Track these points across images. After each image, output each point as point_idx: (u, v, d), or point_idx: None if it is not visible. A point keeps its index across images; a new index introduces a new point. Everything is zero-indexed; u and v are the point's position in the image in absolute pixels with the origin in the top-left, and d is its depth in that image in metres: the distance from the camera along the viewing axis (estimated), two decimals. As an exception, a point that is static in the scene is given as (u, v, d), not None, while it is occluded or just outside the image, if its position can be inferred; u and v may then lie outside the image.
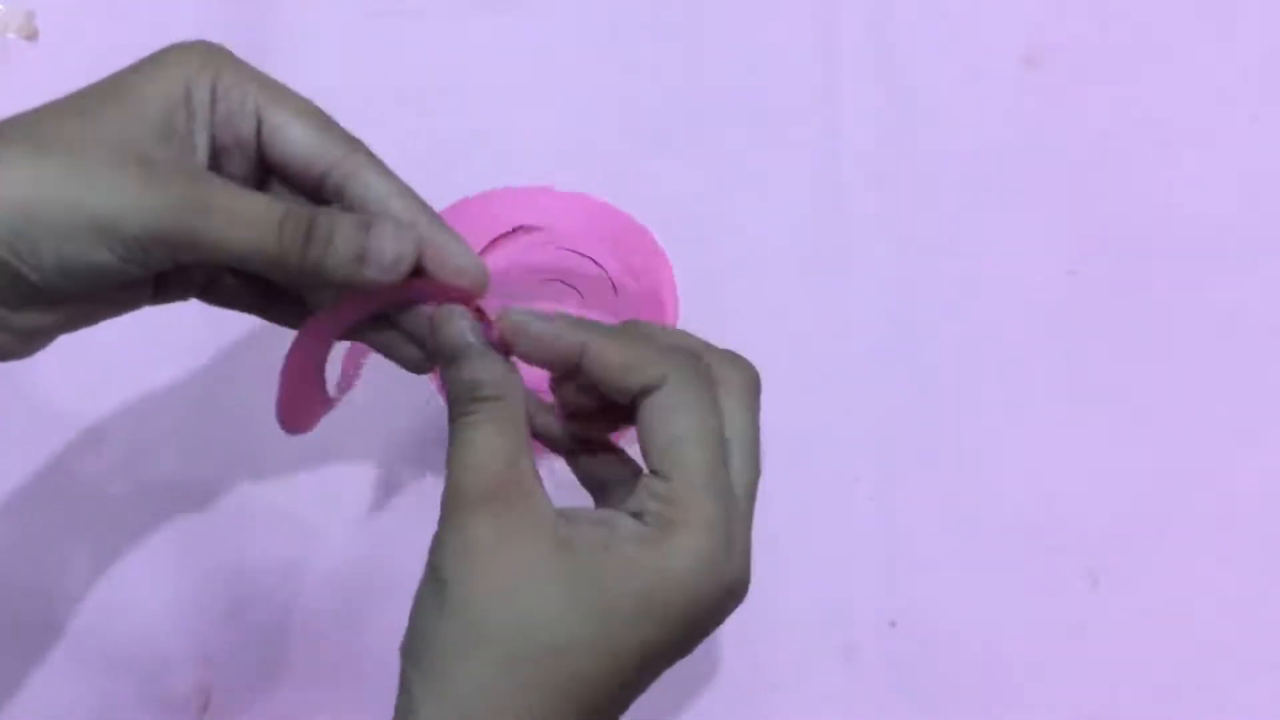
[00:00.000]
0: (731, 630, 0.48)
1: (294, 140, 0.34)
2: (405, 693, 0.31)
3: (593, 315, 0.37)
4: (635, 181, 0.54)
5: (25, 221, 0.31)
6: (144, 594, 0.50)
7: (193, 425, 0.52)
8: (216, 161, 0.35)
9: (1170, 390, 0.53)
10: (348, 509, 0.51)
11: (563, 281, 0.51)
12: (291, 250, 0.32)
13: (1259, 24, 0.57)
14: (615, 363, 0.33)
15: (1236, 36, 0.57)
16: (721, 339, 0.47)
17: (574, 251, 0.51)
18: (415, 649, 0.31)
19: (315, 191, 0.35)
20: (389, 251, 0.32)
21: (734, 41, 0.57)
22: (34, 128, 0.32)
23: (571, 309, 0.49)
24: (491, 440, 0.32)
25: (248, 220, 0.32)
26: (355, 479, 0.51)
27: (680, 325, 0.52)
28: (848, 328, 0.54)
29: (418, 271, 0.33)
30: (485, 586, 0.31)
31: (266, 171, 0.36)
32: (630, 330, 0.34)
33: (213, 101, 0.34)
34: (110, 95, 0.33)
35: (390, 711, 0.32)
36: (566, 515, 0.32)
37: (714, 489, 0.32)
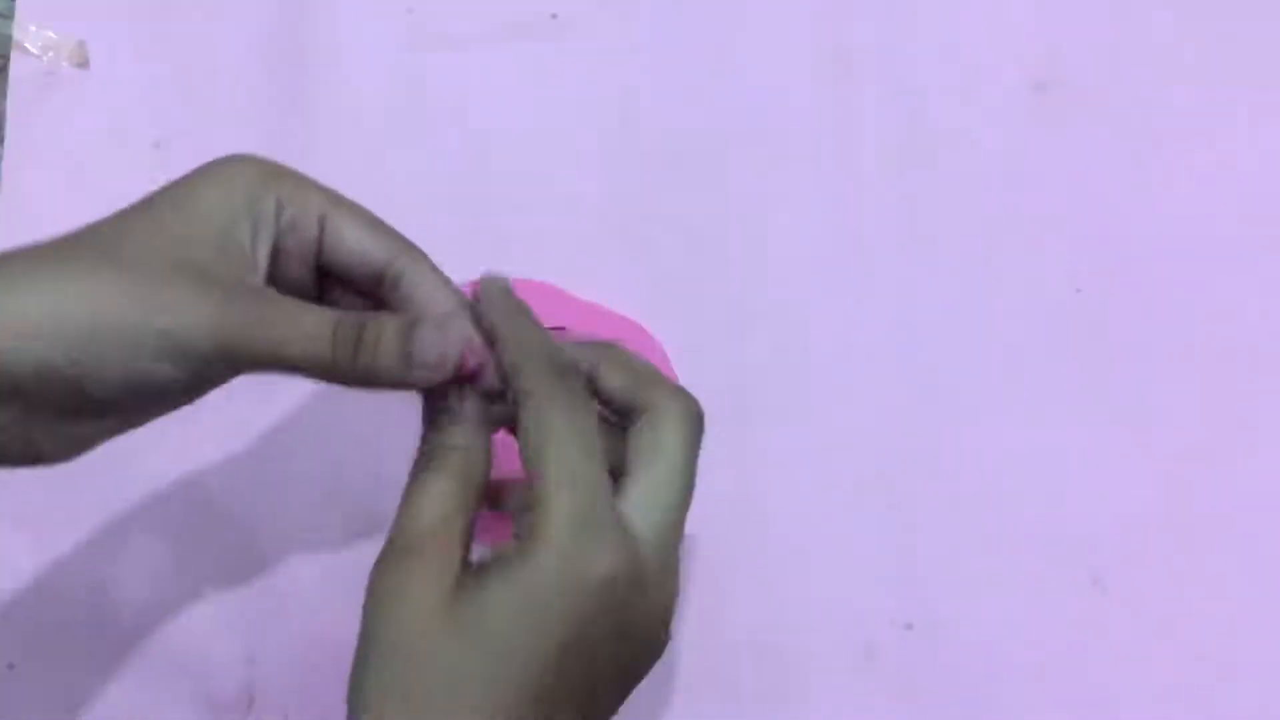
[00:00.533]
0: (748, 633, 0.51)
1: (352, 243, 0.35)
2: None
3: None
4: (650, 202, 0.55)
5: (92, 337, 0.31)
6: (188, 595, 0.51)
7: (237, 433, 0.52)
8: (276, 267, 0.35)
9: (1175, 401, 0.53)
10: (394, 511, 0.51)
11: None
12: (343, 358, 0.33)
13: (1266, 50, 0.57)
14: (505, 365, 0.34)
15: (1246, 61, 0.57)
16: (738, 360, 0.52)
17: None
18: (349, 693, 0.33)
19: (371, 288, 0.36)
20: (432, 353, 0.33)
21: (750, 73, 0.57)
22: (99, 242, 0.32)
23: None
24: (430, 497, 0.33)
25: (305, 334, 0.33)
26: (404, 480, 0.51)
27: (699, 327, 0.53)
28: (865, 344, 0.54)
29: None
30: (385, 635, 0.32)
31: (321, 272, 0.36)
32: (532, 338, 0.35)
33: (278, 211, 0.35)
34: (169, 210, 0.34)
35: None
36: (481, 564, 0.33)
37: (567, 482, 0.32)
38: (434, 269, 0.36)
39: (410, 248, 0.36)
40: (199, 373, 0.32)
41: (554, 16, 0.56)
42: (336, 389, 0.35)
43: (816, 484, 0.52)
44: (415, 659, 0.31)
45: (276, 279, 0.35)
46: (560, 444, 0.33)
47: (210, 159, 0.38)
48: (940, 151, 0.56)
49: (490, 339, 0.35)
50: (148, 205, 0.34)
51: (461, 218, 0.50)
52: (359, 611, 0.48)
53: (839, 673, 0.51)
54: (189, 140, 0.54)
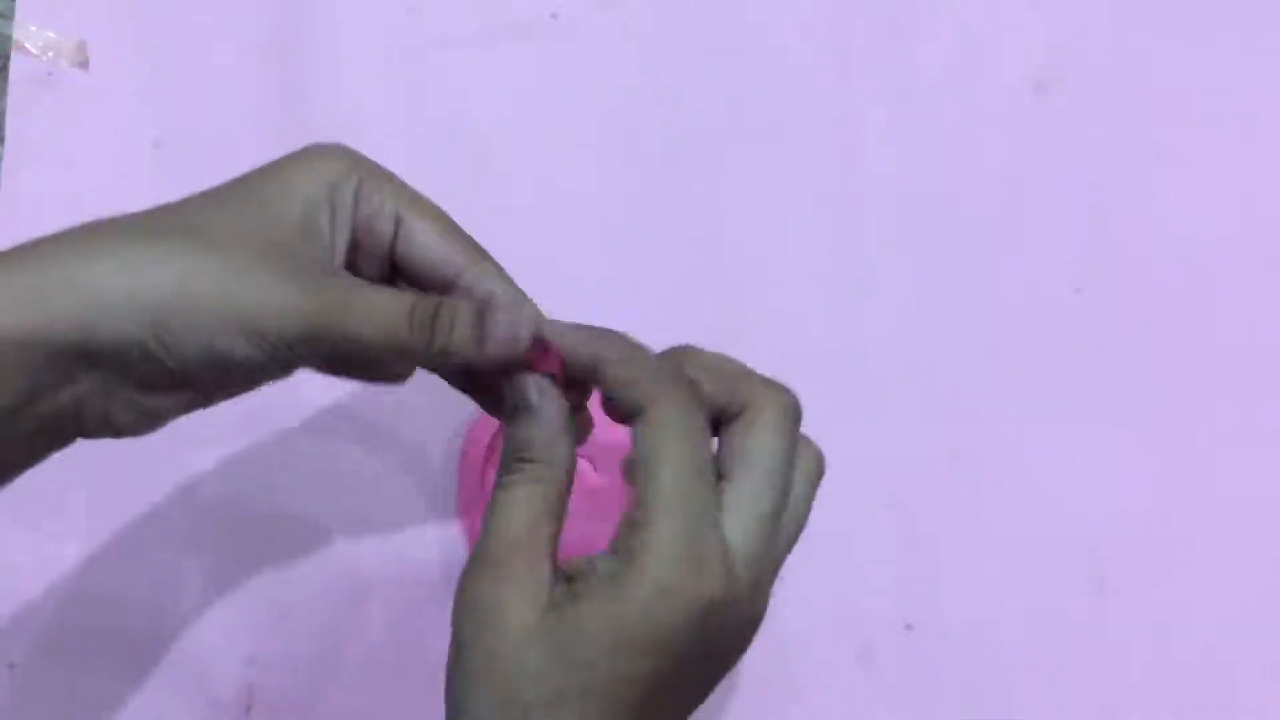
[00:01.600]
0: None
1: (427, 246, 0.36)
2: None
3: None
4: (652, 203, 0.55)
5: (175, 313, 0.31)
6: (188, 596, 0.51)
7: (238, 435, 0.52)
8: (351, 259, 0.36)
9: (1174, 401, 0.54)
10: (393, 514, 0.52)
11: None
12: (420, 339, 0.33)
13: (1267, 52, 0.57)
14: (614, 379, 0.34)
15: (1245, 64, 0.57)
16: (738, 354, 0.47)
17: None
18: (446, 696, 0.33)
19: (442, 291, 0.36)
20: (504, 330, 0.33)
21: (751, 71, 0.56)
22: (187, 220, 0.33)
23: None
24: (519, 505, 0.33)
25: (383, 315, 0.33)
26: (402, 485, 0.52)
27: (693, 338, 0.50)
28: (867, 344, 0.54)
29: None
30: (482, 647, 0.32)
31: (394, 270, 0.37)
32: (639, 352, 0.34)
33: (355, 203, 0.35)
34: (255, 193, 0.34)
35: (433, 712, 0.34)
36: (577, 575, 0.33)
37: (676, 509, 0.32)
38: (509, 280, 0.37)
39: (483, 258, 0.36)
40: (275, 353, 0.32)
41: (554, 16, 0.56)
42: (336, 397, 0.35)
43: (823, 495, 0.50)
44: (513, 673, 0.31)
45: (351, 269, 0.36)
46: (675, 467, 0.32)
47: (209, 159, 0.39)
48: (941, 153, 0.56)
49: (582, 350, 0.34)
50: (235, 186, 0.34)
51: (460, 218, 0.46)
52: (359, 612, 0.51)
53: (839, 673, 0.51)
54: (189, 140, 0.54)
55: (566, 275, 0.52)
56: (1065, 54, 0.57)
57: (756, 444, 0.33)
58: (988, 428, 0.54)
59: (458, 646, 0.32)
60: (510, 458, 0.34)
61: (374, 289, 0.34)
